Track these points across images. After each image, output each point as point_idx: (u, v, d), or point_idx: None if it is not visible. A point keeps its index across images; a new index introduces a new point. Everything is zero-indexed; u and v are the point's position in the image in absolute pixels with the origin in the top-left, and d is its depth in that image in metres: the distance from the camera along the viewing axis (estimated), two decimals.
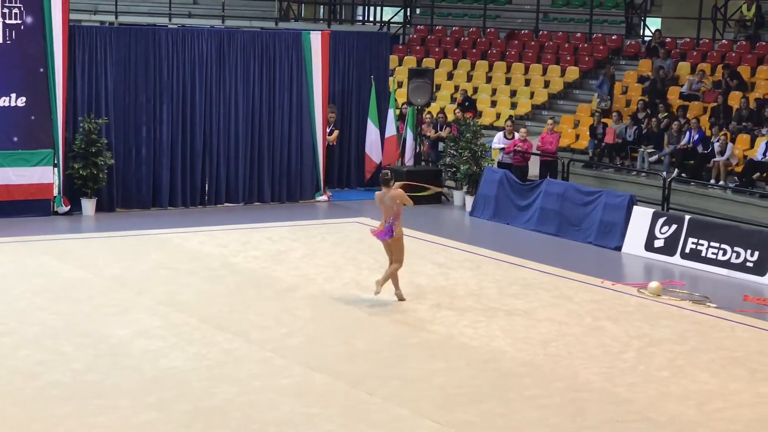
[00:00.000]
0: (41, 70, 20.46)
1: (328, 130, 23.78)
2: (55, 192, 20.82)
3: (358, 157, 24.79)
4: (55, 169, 20.73)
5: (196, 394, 11.17)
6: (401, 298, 15.13)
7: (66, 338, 12.85)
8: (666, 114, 25.43)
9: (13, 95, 20.28)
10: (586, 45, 31.19)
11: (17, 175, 20.30)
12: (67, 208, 20.85)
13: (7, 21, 20.11)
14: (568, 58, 30.77)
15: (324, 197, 23.61)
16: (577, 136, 27.30)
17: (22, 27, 20.23)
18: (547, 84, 30.20)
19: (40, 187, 20.57)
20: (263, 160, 23.06)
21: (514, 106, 29.61)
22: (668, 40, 29.75)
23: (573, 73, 30.17)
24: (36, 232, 19.02)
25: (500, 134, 23.82)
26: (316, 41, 23.43)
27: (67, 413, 10.47)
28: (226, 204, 22.68)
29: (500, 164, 23.32)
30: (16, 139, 20.36)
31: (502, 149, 23.36)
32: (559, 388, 11.80)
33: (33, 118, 20.48)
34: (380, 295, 15.10)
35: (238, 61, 22.61)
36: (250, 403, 10.95)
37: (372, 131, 24.50)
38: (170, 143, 21.98)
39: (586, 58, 30.46)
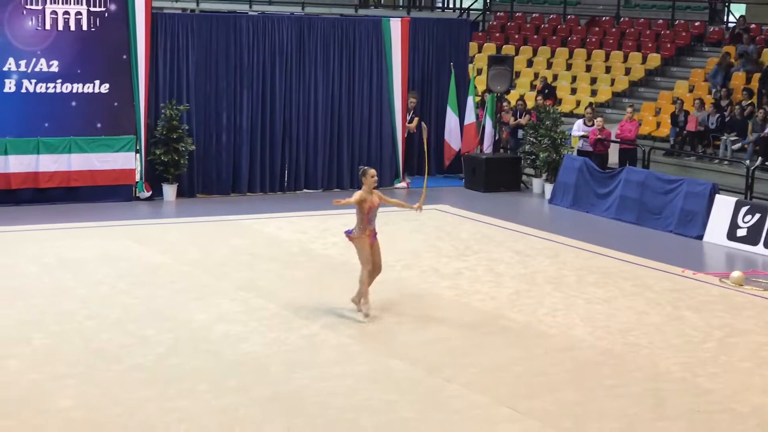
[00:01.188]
0: (124, 57, 20.70)
1: (408, 117, 23.78)
2: (137, 177, 21.06)
3: (437, 145, 24.74)
4: (137, 154, 20.97)
5: (274, 379, 11.24)
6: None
7: (147, 322, 13.00)
8: (750, 101, 25.06)
9: (97, 82, 20.54)
10: (668, 31, 30.84)
11: (100, 160, 20.57)
12: (148, 194, 21.09)
13: (92, 9, 20.36)
14: (650, 44, 30.45)
15: (403, 184, 23.62)
16: (659, 124, 27.02)
17: (106, 15, 20.47)
18: (628, 71, 29.90)
19: (123, 172, 20.83)
20: (342, 147, 23.13)
21: (594, 93, 29.38)
22: (753, 26, 29.30)
23: (654, 60, 29.85)
24: (118, 217, 19.26)
25: (580, 122, 23.65)
26: (395, 28, 23.43)
27: (148, 396, 10.59)
28: (305, 190, 22.78)
29: (580, 152, 23.15)
30: (99, 125, 20.64)
31: (583, 136, 23.18)
32: (638, 378, 11.70)
33: (116, 104, 20.74)
34: (451, 286, 15.10)
35: (317, 48, 22.68)
36: (328, 389, 10.99)
37: (451, 118, 24.45)
38: (250, 129, 22.13)
39: (668, 45, 30.12)
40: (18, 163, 19.99)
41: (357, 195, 13.50)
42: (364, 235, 13.50)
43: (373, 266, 13.57)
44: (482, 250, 17.51)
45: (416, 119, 23.87)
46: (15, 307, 13.45)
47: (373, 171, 13.64)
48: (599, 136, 22.87)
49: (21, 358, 11.60)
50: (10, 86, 19.96)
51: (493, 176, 23.39)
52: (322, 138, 22.88)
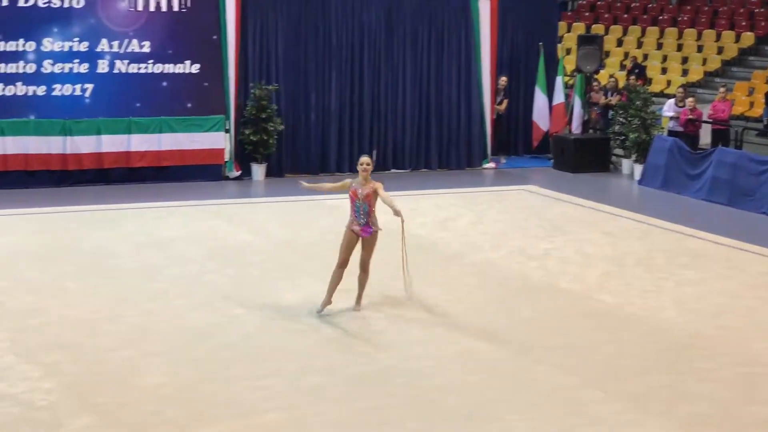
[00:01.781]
0: (214, 37, 20.88)
1: (498, 99, 23.68)
2: (227, 157, 21.25)
3: (525, 125, 24.62)
4: (227, 134, 21.15)
5: (361, 359, 11.28)
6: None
7: (236, 301, 13.11)
8: None
9: (188, 62, 20.74)
10: (762, 9, 30.30)
11: (190, 140, 20.80)
12: (237, 173, 21.27)
13: None
14: (743, 23, 29.97)
15: (491, 165, 23.55)
16: (752, 104, 26.59)
17: None
18: (720, 50, 29.47)
19: (212, 152, 21.03)
20: (431, 127, 23.11)
21: (685, 73, 29.01)
22: None
23: (748, 39, 29.37)
24: (207, 197, 19.45)
25: (671, 102, 23.34)
26: (484, 8, 23.34)
27: (237, 375, 10.69)
28: (393, 170, 22.80)
29: (671, 132, 22.87)
30: (189, 105, 20.86)
31: (673, 117, 22.88)
32: (729, 362, 11.54)
33: (206, 84, 20.94)
34: (538, 267, 15.04)
35: (406, 28, 22.67)
36: (414, 369, 11.01)
37: (540, 99, 24.29)
38: (338, 109, 22.21)
39: (762, 23, 29.62)
40: (111, 143, 20.28)
41: (340, 181, 13.04)
42: (348, 227, 12.68)
43: (341, 261, 12.59)
44: (570, 231, 17.40)
45: (505, 101, 23.76)
46: (107, 285, 13.65)
47: (363, 159, 12.67)
48: (690, 117, 22.56)
49: (113, 335, 11.78)
50: (103, 67, 20.24)
51: (581, 157, 23.21)
52: (410, 118, 22.88)
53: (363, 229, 12.58)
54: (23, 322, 12.13)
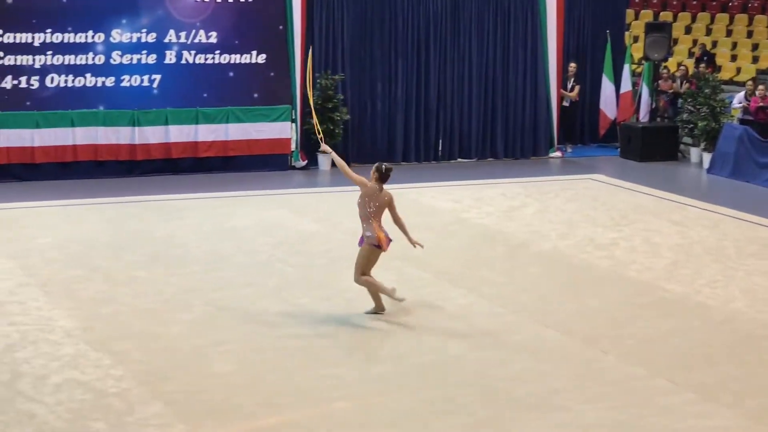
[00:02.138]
0: (281, 27, 20.96)
1: (569, 86, 23.56)
2: (293, 147, 21.34)
3: (592, 113, 24.47)
4: (293, 124, 21.23)
5: (428, 347, 11.29)
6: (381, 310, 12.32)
7: (303, 290, 13.18)
8: None
9: (254, 52, 20.84)
10: None
11: (257, 130, 20.91)
12: (304, 163, 21.35)
13: None
14: None
15: (557, 154, 23.43)
16: None
17: None
18: None
19: (279, 142, 21.14)
20: (497, 116, 23.04)
21: (755, 60, 28.62)
22: None
23: None
24: (274, 186, 19.55)
25: (741, 95, 23.02)
26: None
27: (305, 364, 10.74)
28: (459, 159, 22.78)
29: (741, 120, 22.61)
30: (256, 95, 20.96)
31: (744, 108, 22.60)
32: None
33: (272, 74, 21.02)
34: (606, 257, 14.96)
35: (472, 16, 22.61)
36: (482, 358, 11.00)
37: (607, 87, 24.10)
38: (405, 99, 22.21)
39: None
40: (178, 133, 20.45)
41: (362, 177, 12.37)
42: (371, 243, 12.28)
43: (355, 274, 12.30)
44: (638, 220, 17.28)
45: (577, 87, 23.63)
46: (177, 274, 13.78)
47: (389, 167, 12.35)
48: (761, 104, 22.28)
49: (183, 324, 11.89)
50: (170, 57, 20.40)
51: (649, 145, 23.02)
52: (477, 107, 22.82)
53: (361, 238, 12.30)
54: (95, 310, 12.28)
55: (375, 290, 12.19)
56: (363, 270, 12.12)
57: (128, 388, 9.98)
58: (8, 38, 19.44)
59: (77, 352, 10.85)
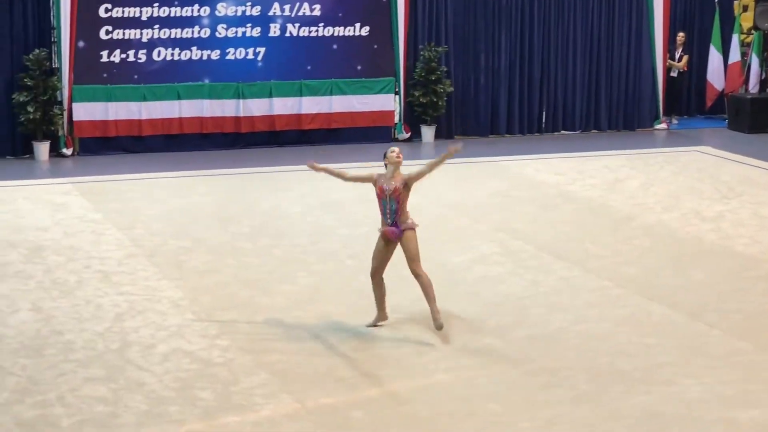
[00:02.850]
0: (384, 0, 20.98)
1: (677, 56, 23.21)
2: (396, 119, 21.35)
3: (698, 85, 24.09)
4: (396, 96, 21.25)
5: (532, 320, 11.26)
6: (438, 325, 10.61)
7: (405, 263, 13.17)
8: None
9: (357, 25, 20.87)
10: None
11: (360, 102, 20.97)
12: (407, 135, 21.36)
13: None
14: None
15: (663, 125, 23.13)
16: None
17: None
18: None
19: (382, 114, 21.17)
20: (601, 87, 22.80)
21: None
22: None
23: None
24: (377, 159, 19.47)
25: None
26: None
27: (406, 336, 10.78)
28: (562, 132, 22.60)
29: None
30: (359, 67, 21.00)
31: None
32: None
33: (375, 47, 21.04)
34: (713, 230, 14.75)
35: None
36: (586, 331, 10.94)
37: (715, 57, 23.70)
38: (508, 70, 22.08)
39: None
40: (282, 106, 20.58)
41: (366, 171, 11.27)
42: (380, 231, 11.03)
43: (372, 270, 10.91)
44: (746, 193, 16.99)
45: (685, 57, 23.27)
46: (281, 246, 13.90)
47: (394, 148, 11.06)
48: None
49: (287, 295, 12.00)
50: (275, 30, 20.52)
51: (758, 116, 22.59)
52: (581, 78, 22.60)
53: (391, 231, 10.82)
54: (201, 281, 12.45)
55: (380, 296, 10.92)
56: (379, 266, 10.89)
57: (233, 358, 10.11)
58: (117, 12, 19.71)
59: (183, 322, 11.02)
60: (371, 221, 14.99)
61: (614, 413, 8.98)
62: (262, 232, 14.48)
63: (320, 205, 15.99)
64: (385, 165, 11.01)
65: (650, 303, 11.81)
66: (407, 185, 10.86)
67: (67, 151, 19.53)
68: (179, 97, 20.05)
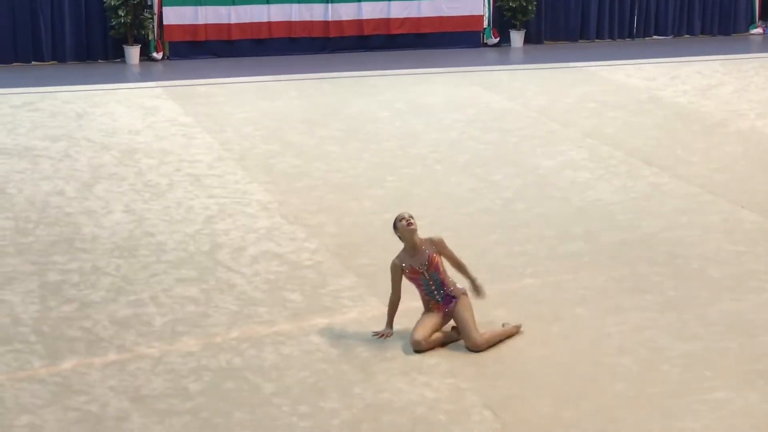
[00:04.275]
0: None
1: None
2: (485, 24, 21.15)
3: None
4: (486, 1, 21.03)
5: (621, 226, 11.19)
6: None
7: (495, 167, 13.18)
8: None
9: None
10: None
11: (449, 7, 20.80)
12: (496, 40, 21.18)
13: None
14: None
15: (758, 30, 22.65)
16: None
17: None
18: None
19: (471, 19, 20.98)
20: None
21: None
22: None
23: None
24: (466, 64, 19.47)
25: None
26: None
27: (496, 240, 10.80)
28: (654, 36, 22.25)
29: None
30: None
31: None
32: None
33: None
34: None
35: None
36: (676, 238, 10.86)
37: None
38: None
39: None
40: (371, 10, 20.48)
41: (392, 265, 8.80)
42: (428, 314, 8.66)
43: (471, 338, 8.44)
44: None
45: None
46: (369, 150, 13.94)
47: (402, 216, 8.76)
48: None
49: (375, 199, 12.06)
50: None
51: None
52: None
53: (445, 306, 8.64)
54: (290, 184, 12.55)
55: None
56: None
57: (322, 261, 10.21)
58: None
59: (273, 225, 11.13)
60: (460, 125, 15.01)
61: (702, 320, 8.94)
62: (350, 136, 14.52)
63: (409, 110, 15.96)
64: (400, 238, 8.75)
65: (741, 210, 11.67)
66: (437, 246, 8.72)
67: (157, 55, 19.68)
68: (268, 2, 20.04)
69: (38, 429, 7.20)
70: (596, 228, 11.12)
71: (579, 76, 18.43)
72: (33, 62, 19.39)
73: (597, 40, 21.84)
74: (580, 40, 21.77)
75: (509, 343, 8.49)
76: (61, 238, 10.75)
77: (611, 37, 21.99)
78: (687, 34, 22.47)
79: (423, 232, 8.78)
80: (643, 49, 21.00)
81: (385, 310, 8.78)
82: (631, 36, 22.14)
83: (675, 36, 22.37)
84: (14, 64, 19.26)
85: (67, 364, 8.12)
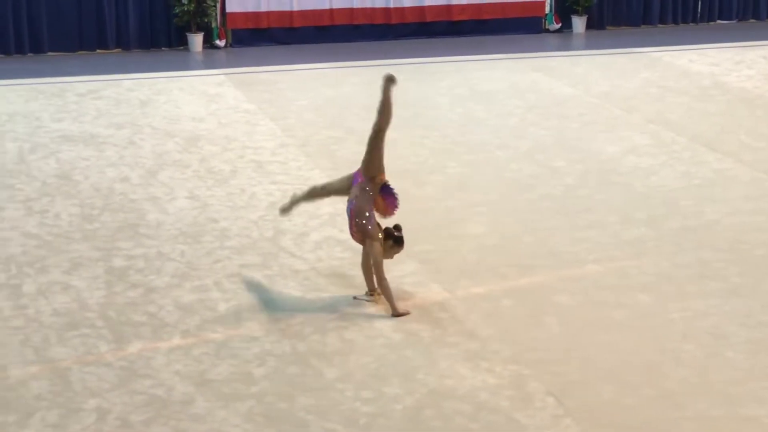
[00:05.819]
0: None
1: None
2: (547, 9, 21.07)
3: None
4: None
5: (684, 212, 11.12)
6: None
7: (557, 153, 13.14)
8: None
9: None
10: None
11: None
12: (558, 26, 21.09)
13: None
14: None
15: None
16: None
17: None
18: None
19: (532, 4, 20.92)
20: None
21: None
22: None
23: None
24: (527, 50, 19.41)
25: None
26: None
27: (558, 226, 10.77)
28: (718, 21, 22.03)
29: None
30: None
31: None
32: None
33: None
34: None
35: None
36: (739, 224, 10.77)
37: None
38: None
39: None
40: None
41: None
42: None
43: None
44: None
45: None
46: (430, 136, 13.95)
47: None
48: None
49: (436, 185, 12.07)
50: None
51: None
52: None
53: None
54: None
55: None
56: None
57: None
58: None
59: (335, 211, 11.15)
60: (521, 111, 14.99)
61: None
62: (412, 123, 14.52)
63: (470, 96, 15.95)
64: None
65: None
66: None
67: (220, 43, 19.81)
68: None
69: (106, 412, 7.31)
70: (660, 214, 11.05)
71: (642, 61, 18.31)
72: (97, 50, 19.61)
73: (660, 25, 21.67)
74: (642, 25, 21.62)
75: (572, 329, 8.48)
76: (126, 224, 10.87)
77: (674, 21, 21.81)
78: (753, 18, 22.23)
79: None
80: (707, 34, 20.81)
81: (447, 295, 8.79)
82: (694, 20, 21.95)
83: (740, 20, 22.14)
84: (79, 52, 19.48)
85: (132, 349, 8.22)
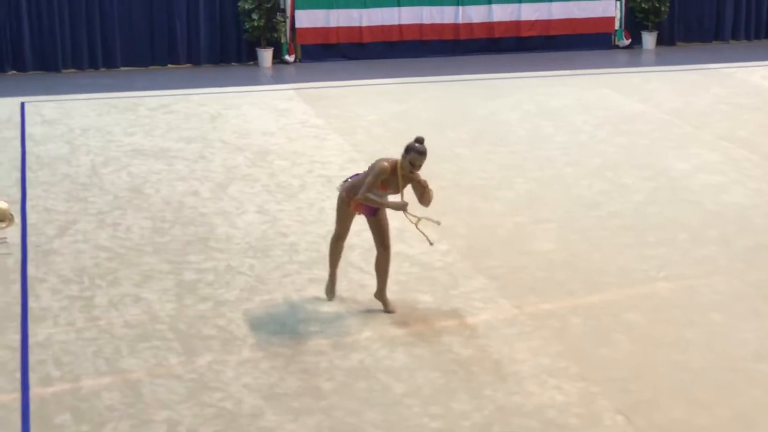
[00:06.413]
0: None
1: None
2: (617, 26, 20.99)
3: None
4: (618, 2, 20.86)
5: (756, 230, 11.00)
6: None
7: (626, 170, 13.06)
8: None
9: None
10: None
11: (580, 9, 20.70)
12: (627, 42, 20.99)
13: None
14: None
15: None
16: None
17: None
18: None
19: (602, 20, 20.85)
20: None
21: None
22: None
23: None
24: (597, 66, 19.33)
25: None
26: None
27: (627, 243, 10.70)
28: None
29: None
30: None
31: None
32: None
33: None
34: None
35: None
36: None
37: None
38: None
39: None
40: (501, 12, 20.49)
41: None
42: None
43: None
44: None
45: None
46: (499, 152, 13.93)
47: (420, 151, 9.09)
48: None
49: (505, 201, 12.05)
50: None
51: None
52: None
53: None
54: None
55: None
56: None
57: (452, 263, 10.24)
58: None
59: (403, 227, 11.14)
60: (590, 128, 14.93)
61: None
62: (480, 138, 14.52)
63: (538, 112, 15.91)
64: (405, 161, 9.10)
65: None
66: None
67: (290, 58, 19.95)
68: (399, 4, 20.16)
69: (176, 424, 7.36)
70: (731, 232, 10.95)
71: (713, 77, 18.17)
72: (168, 65, 19.82)
73: (732, 41, 21.49)
74: (714, 41, 21.45)
75: (641, 347, 8.41)
76: (196, 237, 10.96)
77: (747, 38, 21.62)
78: None
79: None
80: None
81: (515, 311, 8.78)
82: (767, 36, 21.74)
83: None
84: (151, 67, 19.70)
85: (202, 361, 8.28)
